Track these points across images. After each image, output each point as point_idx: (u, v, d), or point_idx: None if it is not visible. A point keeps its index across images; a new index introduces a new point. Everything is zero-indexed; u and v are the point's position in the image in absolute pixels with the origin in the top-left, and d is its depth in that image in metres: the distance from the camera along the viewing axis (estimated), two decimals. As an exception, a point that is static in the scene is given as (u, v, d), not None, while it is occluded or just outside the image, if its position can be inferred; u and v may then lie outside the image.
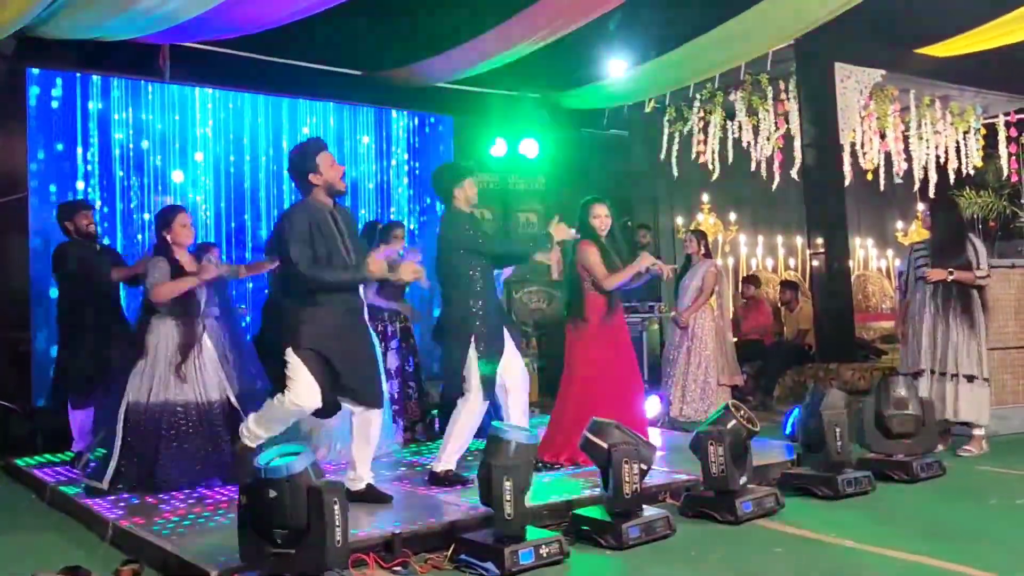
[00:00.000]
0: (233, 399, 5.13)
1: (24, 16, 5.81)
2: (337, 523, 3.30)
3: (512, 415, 4.96)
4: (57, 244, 5.91)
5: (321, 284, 4.24)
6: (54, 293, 6.57)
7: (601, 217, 5.56)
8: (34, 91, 7.00)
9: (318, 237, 4.25)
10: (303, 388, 4.20)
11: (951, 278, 5.87)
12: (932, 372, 5.92)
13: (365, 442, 4.50)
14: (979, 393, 5.88)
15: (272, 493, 3.30)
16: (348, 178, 8.38)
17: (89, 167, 7.21)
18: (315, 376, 4.20)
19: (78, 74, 7.18)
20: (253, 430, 4.39)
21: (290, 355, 4.23)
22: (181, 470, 4.94)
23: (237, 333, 5.44)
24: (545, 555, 3.68)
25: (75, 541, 4.33)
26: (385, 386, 6.01)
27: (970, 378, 5.86)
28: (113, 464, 4.91)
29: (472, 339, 4.86)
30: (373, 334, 5.77)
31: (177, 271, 5.05)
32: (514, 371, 5.03)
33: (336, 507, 3.30)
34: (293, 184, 4.50)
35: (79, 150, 7.16)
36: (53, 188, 7.04)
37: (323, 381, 4.22)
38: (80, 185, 7.15)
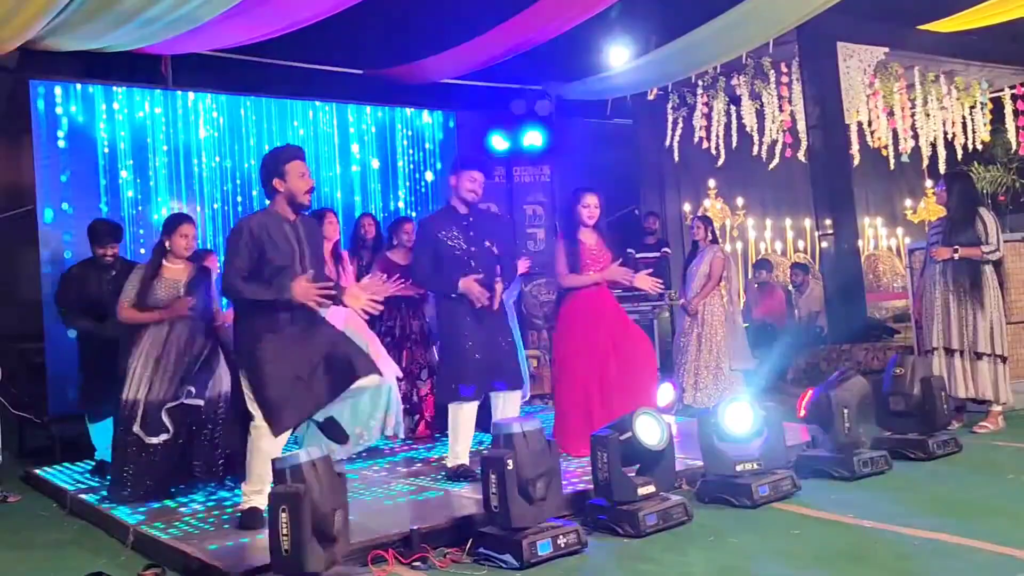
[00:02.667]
0: (194, 399, 5.05)
1: (28, 30, 5.84)
2: (284, 532, 3.20)
3: (498, 408, 5.01)
4: (63, 272, 6.02)
5: (239, 297, 4.13)
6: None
7: (590, 207, 5.53)
8: (39, 103, 7.02)
9: (270, 249, 4.11)
10: (276, 414, 4.09)
11: (957, 256, 5.85)
12: (945, 350, 5.91)
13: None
14: (992, 370, 5.85)
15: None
16: (354, 182, 8.45)
17: (97, 177, 7.22)
18: (270, 392, 4.07)
19: (76, 85, 7.17)
20: (251, 487, 4.20)
21: (244, 377, 4.17)
22: (153, 472, 4.96)
23: (219, 342, 5.40)
24: (563, 545, 3.69)
25: (96, 548, 4.37)
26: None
27: (979, 355, 5.84)
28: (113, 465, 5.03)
29: (449, 331, 4.93)
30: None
31: (145, 285, 5.09)
32: None
33: (283, 515, 3.20)
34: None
35: (87, 160, 7.18)
36: (65, 204, 7.07)
37: (281, 395, 4.08)
38: (89, 193, 7.16)
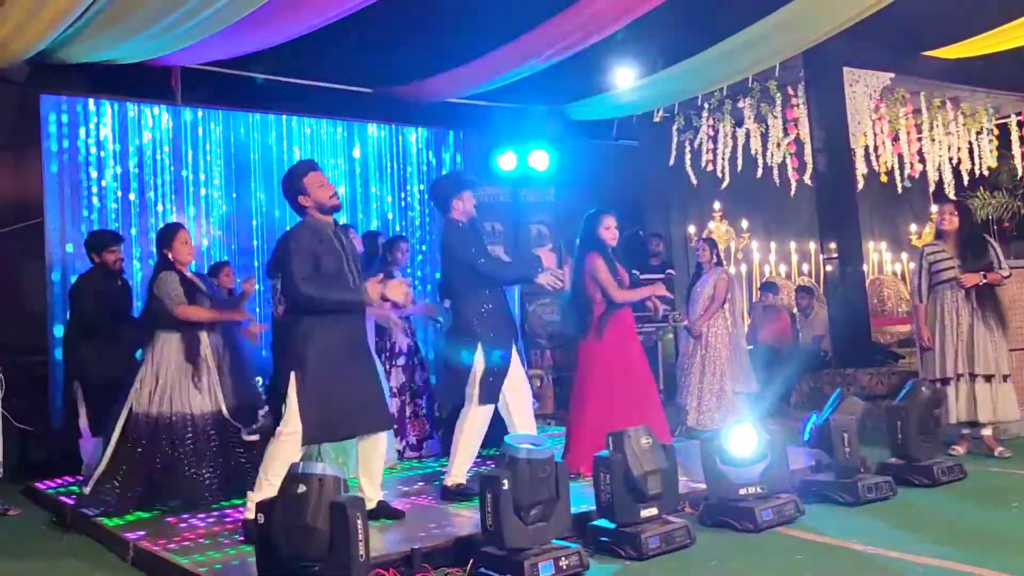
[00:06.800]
0: (226, 412, 5.14)
1: (39, 42, 5.88)
2: (360, 537, 3.30)
3: (517, 425, 4.99)
4: (78, 276, 6.07)
5: (317, 302, 4.17)
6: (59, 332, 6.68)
7: (611, 229, 5.57)
8: (49, 116, 7.05)
9: (324, 255, 4.23)
10: (295, 415, 4.15)
11: (984, 281, 5.85)
12: (970, 376, 5.88)
13: (371, 464, 4.48)
14: (1011, 391, 5.91)
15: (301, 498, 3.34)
16: (358, 195, 8.48)
17: (103, 191, 7.25)
18: (314, 402, 4.14)
19: (88, 100, 7.21)
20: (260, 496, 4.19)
21: (292, 381, 4.18)
22: (182, 482, 5.01)
23: (237, 346, 5.44)
24: (565, 567, 3.67)
25: (96, 563, 4.35)
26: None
27: (1005, 377, 5.89)
28: (100, 469, 5.00)
29: (479, 347, 4.90)
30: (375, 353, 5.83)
31: (187, 287, 5.14)
32: (516, 382, 5.06)
33: (359, 521, 3.32)
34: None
35: (93, 174, 7.21)
36: (69, 213, 7.10)
37: (322, 407, 4.15)
38: (95, 207, 7.19)
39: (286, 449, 4.15)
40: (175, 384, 5.06)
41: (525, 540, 3.67)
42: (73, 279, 6.52)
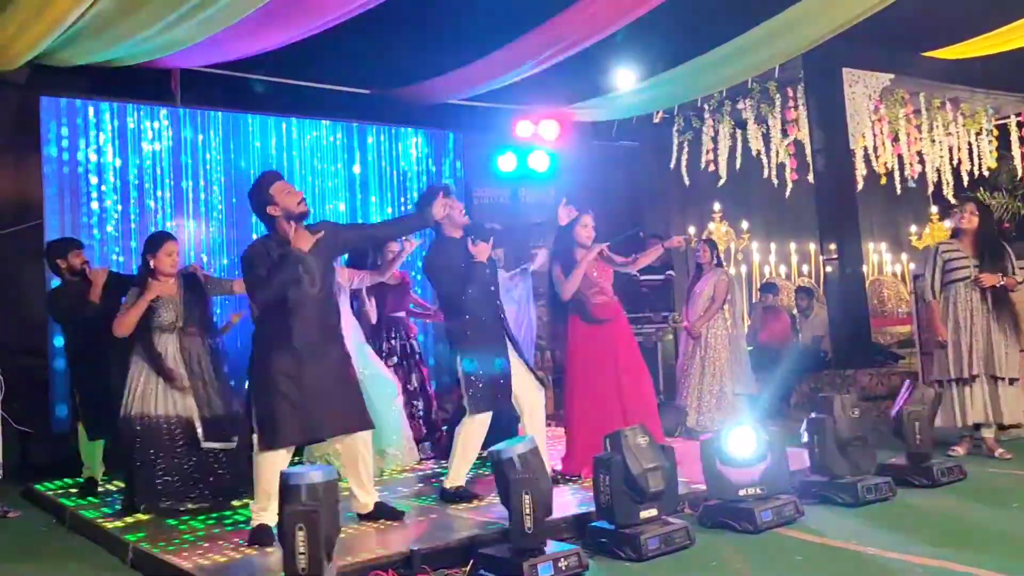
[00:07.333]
0: (196, 421, 5.04)
1: (39, 45, 5.88)
2: (302, 550, 3.23)
3: (528, 430, 4.97)
4: (49, 292, 6.04)
5: (272, 297, 4.19)
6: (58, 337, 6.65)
7: (588, 227, 5.60)
8: (49, 120, 7.05)
9: (282, 267, 4.19)
10: (269, 428, 4.16)
11: (1001, 283, 5.85)
12: (989, 378, 5.85)
13: (355, 467, 4.47)
14: (1016, 393, 5.88)
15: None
16: (357, 202, 8.48)
17: (103, 194, 7.25)
18: (280, 413, 4.15)
19: (87, 104, 7.21)
20: (257, 505, 4.30)
21: (255, 393, 4.24)
22: (160, 486, 4.98)
23: (217, 354, 5.35)
24: (564, 568, 3.67)
25: (96, 565, 4.35)
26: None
27: (1012, 380, 5.85)
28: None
29: (459, 354, 4.91)
30: (365, 355, 5.83)
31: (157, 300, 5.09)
32: (524, 387, 5.05)
33: (302, 533, 3.24)
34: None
35: (93, 180, 7.21)
36: (68, 216, 7.10)
37: (290, 418, 4.16)
38: (95, 212, 7.20)
39: (261, 457, 4.20)
40: (146, 388, 5.02)
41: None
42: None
